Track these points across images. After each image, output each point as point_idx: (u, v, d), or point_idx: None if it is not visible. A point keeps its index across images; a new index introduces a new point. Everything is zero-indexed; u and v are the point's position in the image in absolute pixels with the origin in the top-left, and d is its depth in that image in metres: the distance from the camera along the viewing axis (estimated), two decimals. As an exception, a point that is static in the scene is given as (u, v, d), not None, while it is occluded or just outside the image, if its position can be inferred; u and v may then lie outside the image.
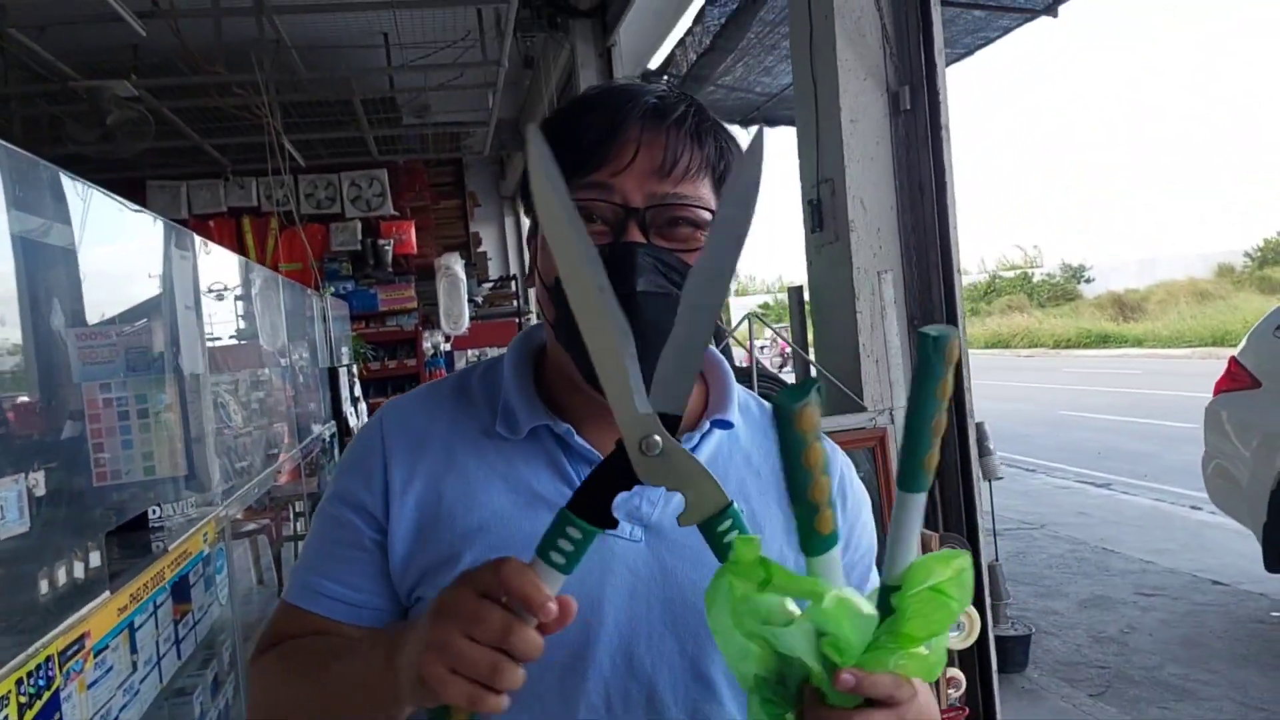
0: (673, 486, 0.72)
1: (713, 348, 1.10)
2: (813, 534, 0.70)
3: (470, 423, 0.99)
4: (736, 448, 1.03)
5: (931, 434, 0.69)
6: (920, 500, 0.72)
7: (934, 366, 0.67)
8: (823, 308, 3.06)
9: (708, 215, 0.92)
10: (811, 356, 3.18)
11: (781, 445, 0.69)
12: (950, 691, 2.47)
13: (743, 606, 0.69)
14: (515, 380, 1.00)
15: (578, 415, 0.97)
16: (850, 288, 2.84)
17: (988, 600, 2.81)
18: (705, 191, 0.93)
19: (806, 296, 3.36)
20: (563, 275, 0.71)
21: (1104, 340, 25.49)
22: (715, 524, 0.72)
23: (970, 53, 6.48)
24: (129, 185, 7.58)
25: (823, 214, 2.94)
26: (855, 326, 2.83)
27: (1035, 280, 35.94)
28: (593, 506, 0.72)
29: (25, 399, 1.70)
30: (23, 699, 1.31)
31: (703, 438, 1.00)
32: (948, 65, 6.77)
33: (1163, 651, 4.42)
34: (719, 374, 1.07)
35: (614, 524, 0.73)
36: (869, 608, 0.70)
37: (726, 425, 1.01)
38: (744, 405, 1.07)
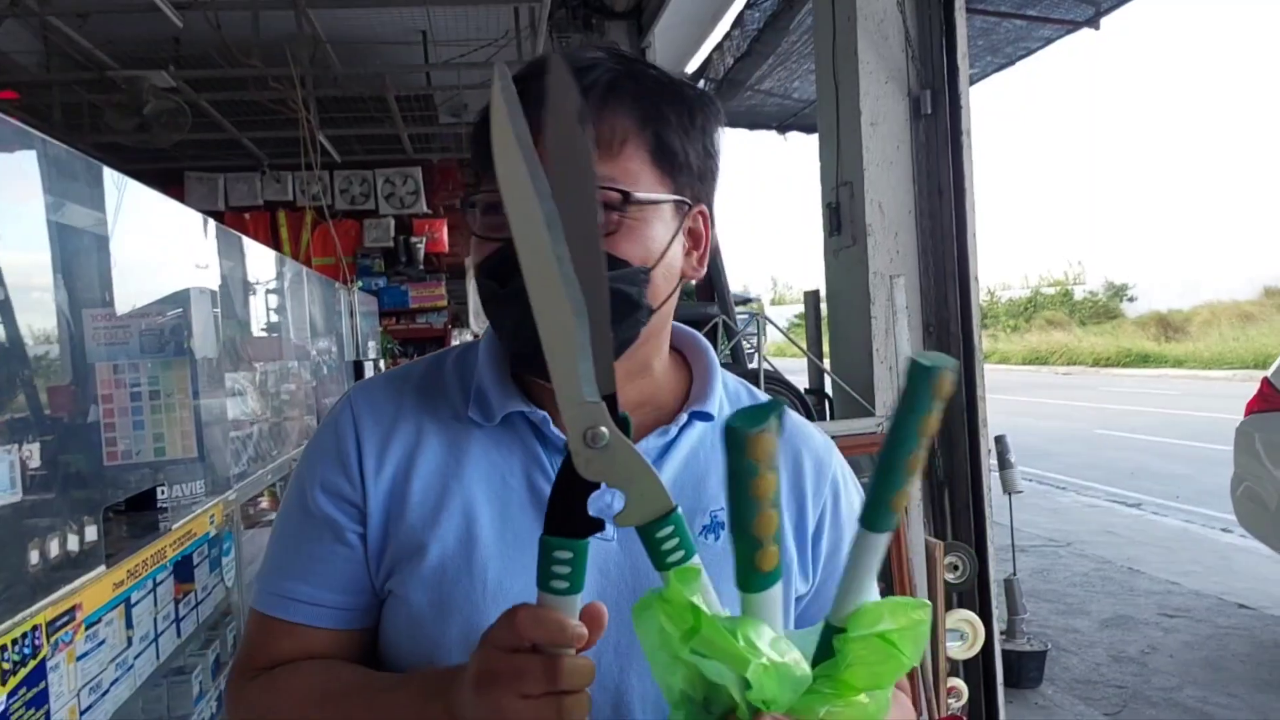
0: (614, 483, 0.67)
1: (697, 334, 1.04)
2: (753, 570, 0.65)
3: (442, 408, 0.94)
4: (720, 441, 0.98)
5: (906, 471, 0.63)
6: (883, 541, 0.66)
7: (921, 399, 0.61)
8: (838, 312, 3.04)
9: (616, 194, 0.84)
10: (826, 362, 3.16)
11: (729, 471, 0.63)
12: (951, 701, 2.44)
13: (669, 634, 0.65)
14: (490, 364, 0.95)
15: (553, 403, 0.92)
16: (866, 292, 2.82)
17: (995, 611, 2.77)
18: (630, 165, 0.85)
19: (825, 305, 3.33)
20: (516, 239, 0.64)
21: (1144, 360, 25.08)
22: (655, 529, 0.66)
23: (1011, 62, 6.43)
24: (168, 176, 7.72)
25: (841, 217, 2.92)
26: (869, 331, 2.81)
27: (1077, 297, 35.46)
28: (568, 520, 0.67)
29: (28, 373, 1.73)
30: (5, 665, 1.32)
31: (681, 430, 0.94)
32: (988, 74, 6.74)
33: (1183, 673, 4.34)
34: (703, 362, 1.01)
35: (599, 526, 0.68)
36: (802, 669, 0.64)
37: (707, 417, 0.96)
38: (734, 395, 1.02)
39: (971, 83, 3.10)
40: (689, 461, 0.94)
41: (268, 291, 3.95)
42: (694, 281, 1.02)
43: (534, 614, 0.67)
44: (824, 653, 0.66)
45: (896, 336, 2.61)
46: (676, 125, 0.88)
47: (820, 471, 0.99)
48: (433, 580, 0.87)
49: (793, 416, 1.03)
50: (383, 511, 0.90)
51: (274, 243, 8.08)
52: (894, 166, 2.80)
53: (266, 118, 6.61)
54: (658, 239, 0.88)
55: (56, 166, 1.88)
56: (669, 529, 0.66)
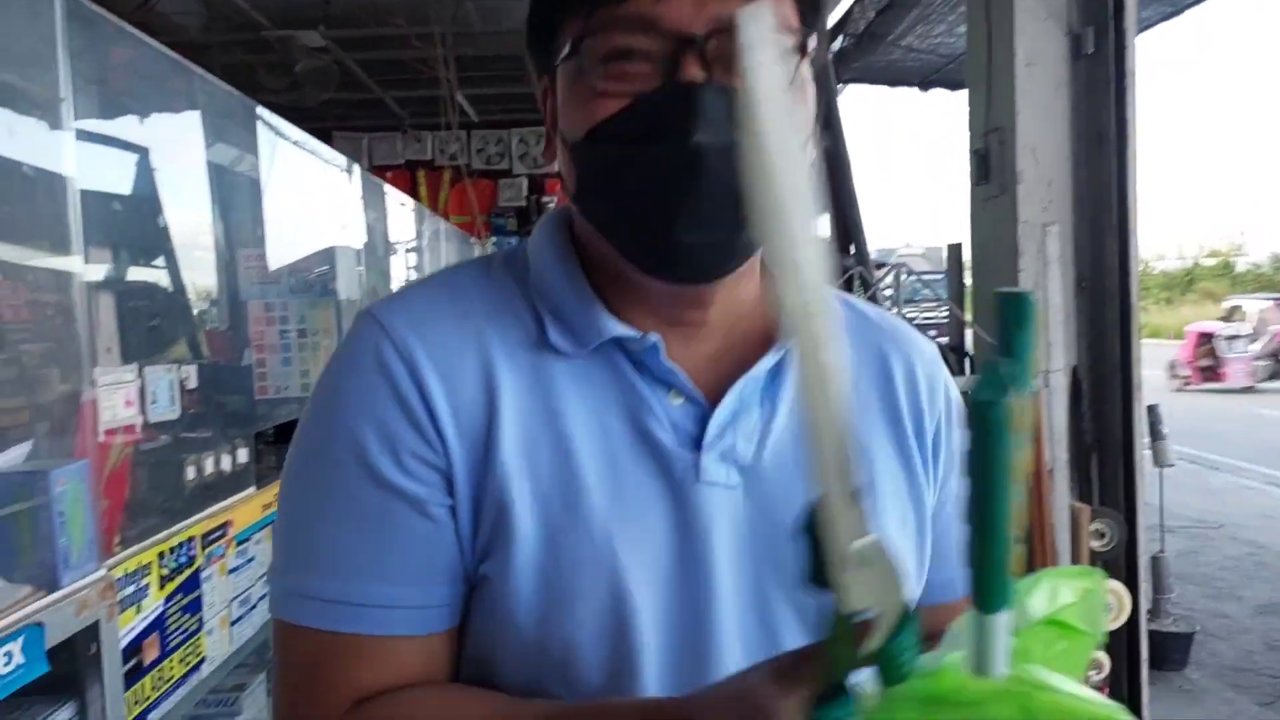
0: (873, 605, 0.50)
1: None
2: (1005, 581, 0.46)
3: (510, 332, 0.73)
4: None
5: (1013, 526, 0.46)
6: (1006, 619, 0.47)
7: (1002, 441, 0.43)
8: (983, 264, 2.91)
9: (798, 39, 0.68)
10: (968, 316, 3.04)
11: (977, 454, 0.44)
12: (1090, 673, 2.33)
13: None
14: (565, 276, 0.74)
15: (644, 324, 0.72)
16: (1014, 243, 2.68)
17: (1142, 587, 2.62)
18: (785, 8, 0.67)
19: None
20: (779, 269, 0.48)
21: (1313, 337, 23.39)
22: (896, 639, 0.49)
23: (1179, 10, 6.01)
24: (316, 135, 8.00)
25: (989, 165, 2.79)
26: (1017, 284, 2.68)
27: (1239, 269, 33.33)
28: (835, 687, 0.51)
29: (189, 305, 1.81)
30: (164, 571, 1.39)
31: (784, 358, 0.75)
32: (1153, 24, 6.30)
33: (1349, 666, 4.05)
34: None
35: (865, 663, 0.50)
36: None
37: None
38: None
39: (1137, 31, 2.90)
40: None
41: (407, 249, 4.05)
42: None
43: None
44: None
45: (1047, 289, 2.48)
46: None
47: (933, 375, 0.82)
48: (540, 561, 0.68)
49: (875, 310, 0.87)
50: (469, 473, 0.69)
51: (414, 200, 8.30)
52: (1050, 110, 2.65)
53: (409, 77, 6.76)
54: (811, 105, 0.72)
55: (220, 112, 1.95)
56: (910, 636, 0.49)
